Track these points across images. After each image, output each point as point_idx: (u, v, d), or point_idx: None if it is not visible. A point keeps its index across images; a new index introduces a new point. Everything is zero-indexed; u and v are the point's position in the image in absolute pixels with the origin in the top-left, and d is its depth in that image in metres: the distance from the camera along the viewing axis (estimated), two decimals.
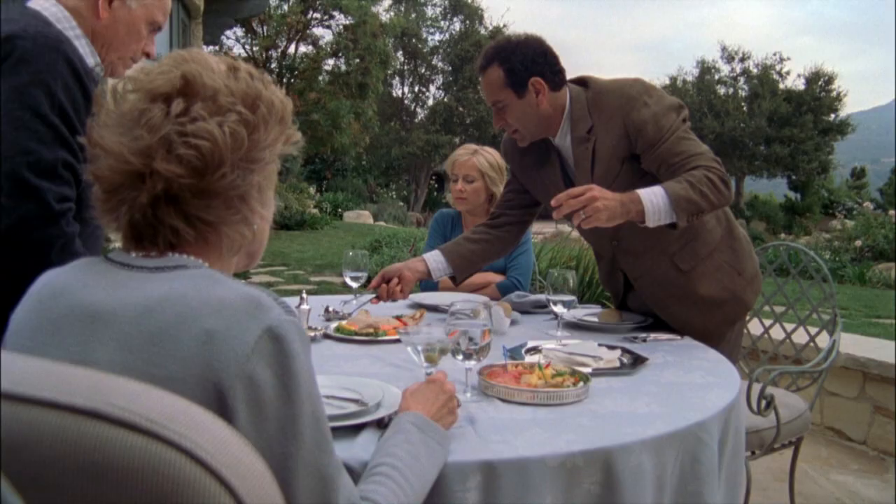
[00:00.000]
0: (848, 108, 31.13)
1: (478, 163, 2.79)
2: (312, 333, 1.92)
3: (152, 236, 0.87)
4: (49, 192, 1.36)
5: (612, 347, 1.79)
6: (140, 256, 0.88)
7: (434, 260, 2.25)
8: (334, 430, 0.99)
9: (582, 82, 2.09)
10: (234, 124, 0.85)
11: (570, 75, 2.10)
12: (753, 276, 2.17)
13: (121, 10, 1.56)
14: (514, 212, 2.35)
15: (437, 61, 27.37)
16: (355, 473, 1.01)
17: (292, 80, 16.93)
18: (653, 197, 1.80)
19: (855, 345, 3.59)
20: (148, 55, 1.65)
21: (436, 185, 28.62)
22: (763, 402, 2.05)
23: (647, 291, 2.18)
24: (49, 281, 0.91)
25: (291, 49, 17.39)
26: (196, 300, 0.81)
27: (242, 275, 7.63)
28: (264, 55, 17.22)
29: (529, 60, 1.98)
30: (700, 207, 1.84)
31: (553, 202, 1.82)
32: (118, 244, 0.92)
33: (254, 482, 0.55)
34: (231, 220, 0.89)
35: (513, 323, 2.18)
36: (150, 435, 0.51)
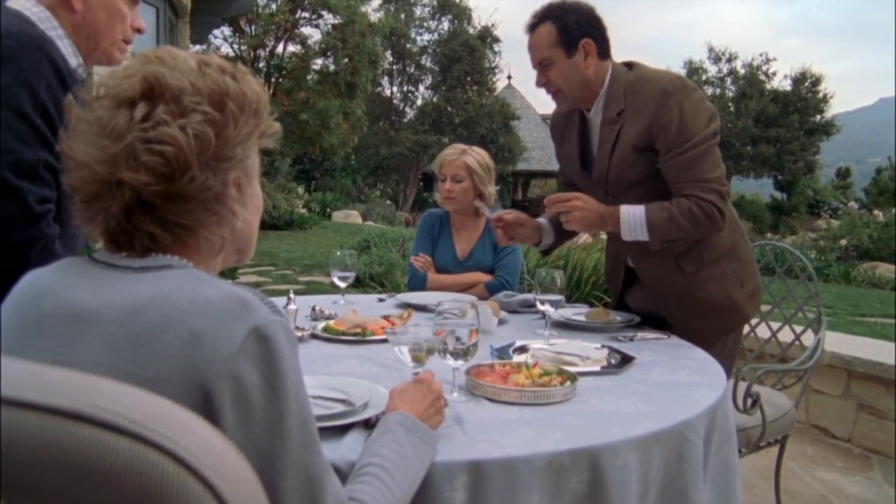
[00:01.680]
0: (833, 109, 31.34)
1: (466, 162, 2.79)
2: (300, 333, 1.91)
3: (129, 242, 0.87)
4: (30, 194, 1.35)
5: (599, 347, 1.79)
6: (124, 256, 0.87)
7: (546, 229, 2.34)
8: (321, 430, 0.98)
9: (628, 64, 2.12)
10: (198, 125, 0.83)
11: None
12: (755, 291, 2.21)
13: None
14: None
15: (425, 61, 27.33)
16: (342, 474, 1.01)
17: (281, 80, 16.84)
18: (631, 218, 1.97)
19: (840, 343, 3.62)
20: (139, 30, 1.63)
21: (425, 186, 28.62)
22: (749, 401, 2.07)
23: (649, 288, 2.21)
24: (33, 281, 0.90)
25: (280, 48, 17.30)
26: (182, 300, 0.80)
27: (230, 274, 7.59)
28: (252, 54, 17.11)
29: (584, 21, 2.03)
30: (675, 236, 1.98)
31: (546, 200, 2.06)
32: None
33: (238, 484, 0.55)
34: (209, 222, 0.88)
35: (500, 322, 2.18)
36: (134, 436, 0.51)
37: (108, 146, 0.82)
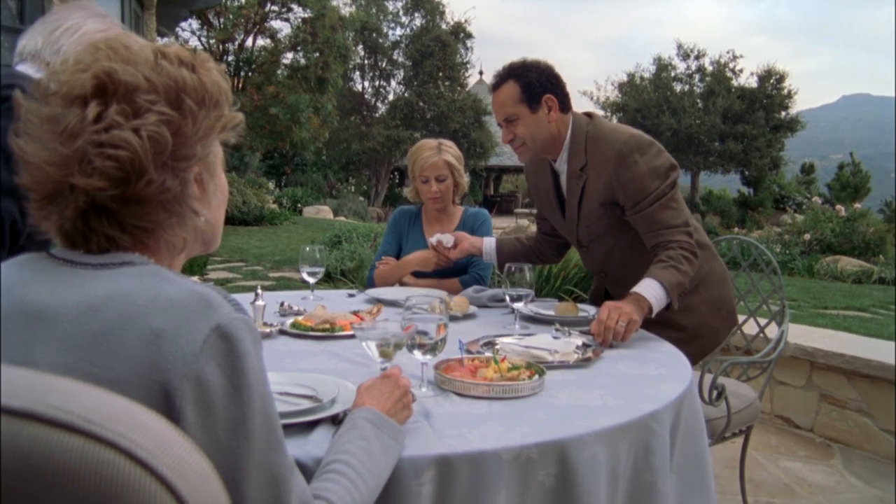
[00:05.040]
0: (798, 106, 31.94)
1: (447, 160, 2.76)
2: (268, 329, 1.89)
3: (85, 243, 0.84)
4: None
5: (567, 340, 1.81)
6: (83, 253, 0.85)
7: (488, 245, 2.52)
8: (288, 426, 0.97)
9: (588, 114, 2.23)
10: (153, 126, 0.80)
11: None
12: (730, 312, 2.31)
13: None
14: (548, 238, 2.56)
15: (397, 56, 27.21)
16: (309, 470, 1.00)
17: (250, 74, 16.64)
18: (654, 292, 1.96)
19: (803, 335, 3.70)
20: None
21: (397, 181, 28.55)
22: (714, 393, 2.10)
23: None
24: None
25: (249, 42, 17.09)
26: (143, 298, 0.79)
27: (199, 270, 7.48)
28: (221, 48, 16.87)
29: (545, 78, 2.13)
30: (685, 283, 2.04)
31: (600, 341, 1.86)
32: None
33: (198, 482, 0.54)
34: (169, 223, 0.86)
35: (470, 317, 2.19)
36: (88, 435, 0.50)
37: (60, 148, 0.79)
